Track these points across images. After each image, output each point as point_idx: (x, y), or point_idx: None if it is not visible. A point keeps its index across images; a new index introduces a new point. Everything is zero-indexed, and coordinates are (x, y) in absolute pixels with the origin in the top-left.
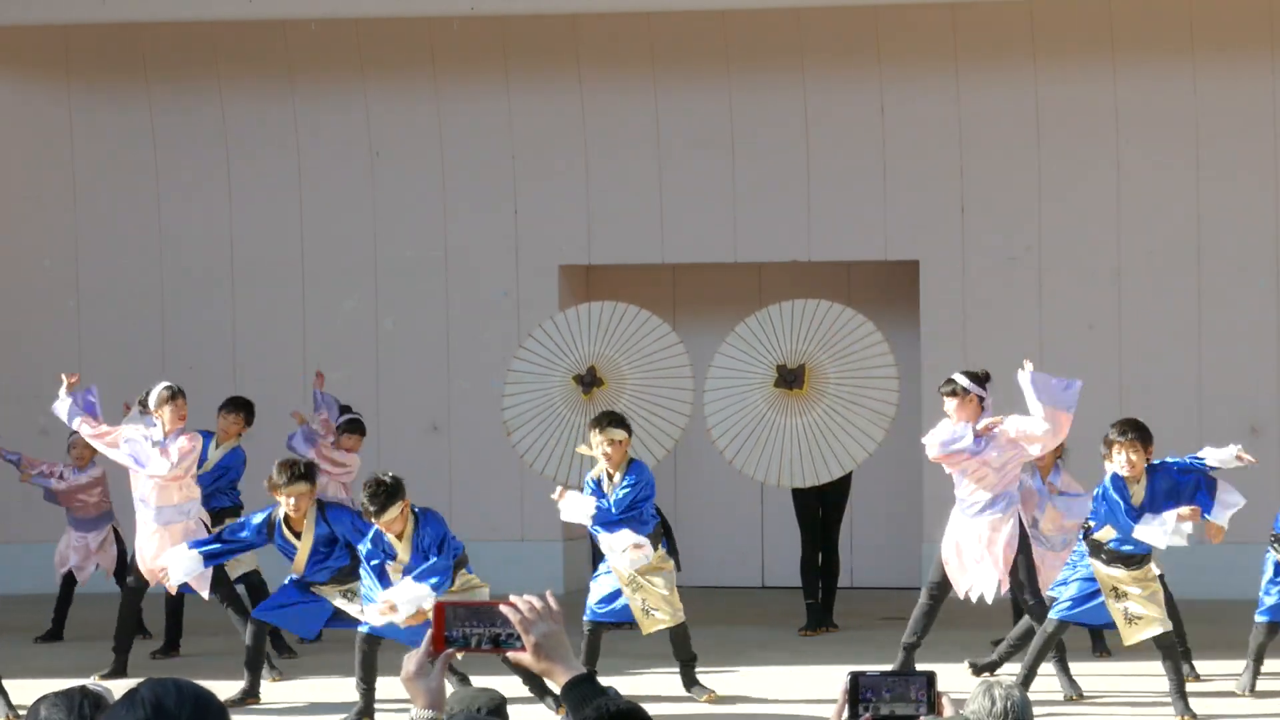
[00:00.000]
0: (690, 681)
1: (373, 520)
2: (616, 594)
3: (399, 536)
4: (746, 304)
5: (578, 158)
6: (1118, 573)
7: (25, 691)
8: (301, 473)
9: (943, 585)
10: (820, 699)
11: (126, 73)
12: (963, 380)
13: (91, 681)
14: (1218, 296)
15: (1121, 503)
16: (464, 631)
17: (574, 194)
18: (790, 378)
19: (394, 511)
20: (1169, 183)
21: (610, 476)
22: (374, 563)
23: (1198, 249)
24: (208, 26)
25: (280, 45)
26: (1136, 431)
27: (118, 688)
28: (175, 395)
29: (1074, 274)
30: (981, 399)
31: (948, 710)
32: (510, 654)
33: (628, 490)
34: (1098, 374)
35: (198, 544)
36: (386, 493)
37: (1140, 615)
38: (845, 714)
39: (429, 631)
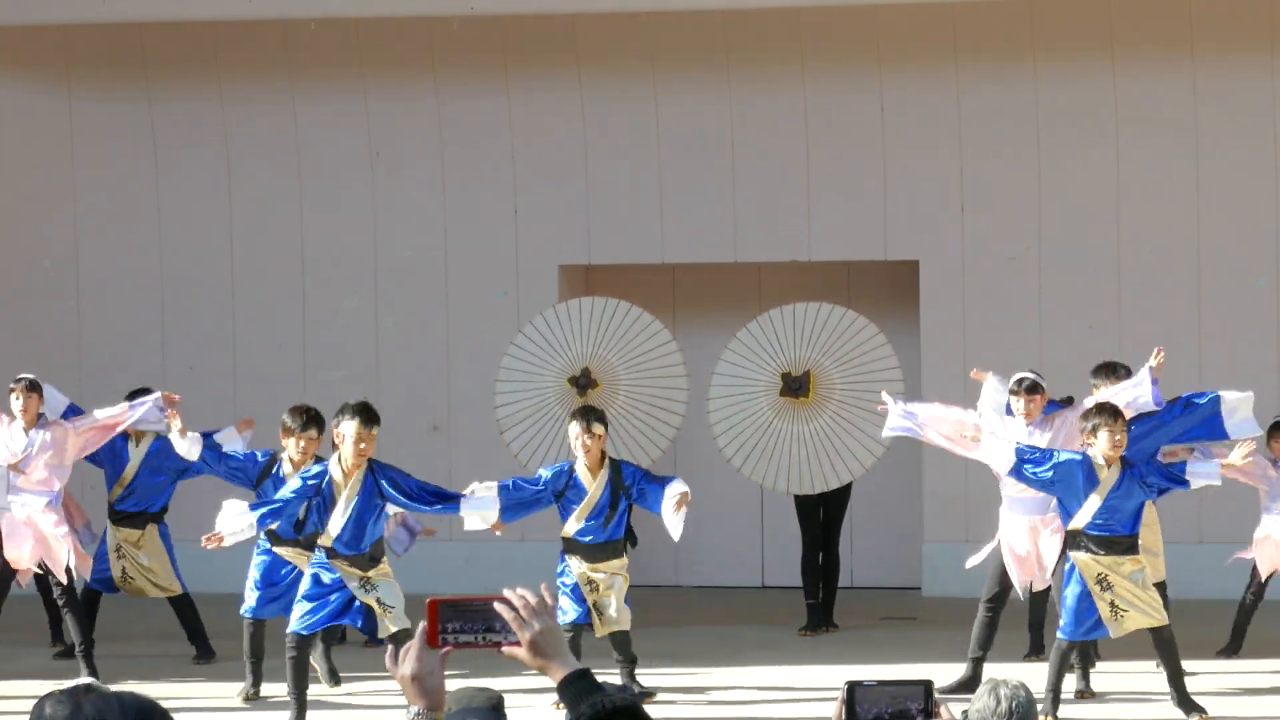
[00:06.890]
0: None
1: None
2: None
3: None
4: (746, 304)
5: (578, 158)
6: None
7: (25, 691)
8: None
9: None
10: (820, 699)
11: (126, 73)
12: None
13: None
14: (1218, 296)
15: None
16: (458, 628)
17: (574, 194)
18: (796, 385)
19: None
20: (1169, 183)
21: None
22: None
23: (1198, 248)
24: (208, 26)
25: (280, 45)
26: None
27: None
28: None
29: (1074, 274)
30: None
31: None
32: (505, 650)
33: None
34: None
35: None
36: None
37: None
38: None
39: (421, 628)
